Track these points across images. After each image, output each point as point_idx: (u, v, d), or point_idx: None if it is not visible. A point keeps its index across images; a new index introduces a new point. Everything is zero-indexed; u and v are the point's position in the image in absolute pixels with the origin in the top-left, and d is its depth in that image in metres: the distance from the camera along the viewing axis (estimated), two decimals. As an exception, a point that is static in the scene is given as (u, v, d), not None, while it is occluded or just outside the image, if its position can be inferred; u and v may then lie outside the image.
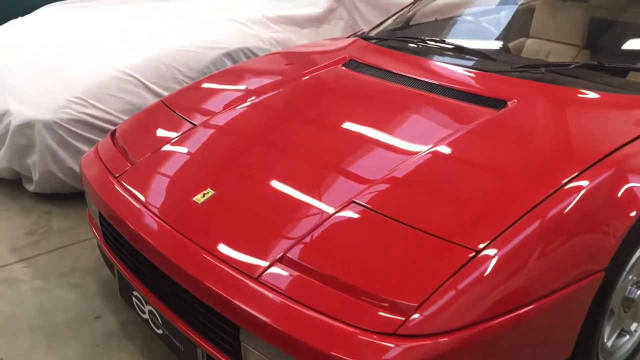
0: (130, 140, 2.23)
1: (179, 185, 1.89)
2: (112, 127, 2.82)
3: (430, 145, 1.79)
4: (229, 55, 3.12)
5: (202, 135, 2.12)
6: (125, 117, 2.86)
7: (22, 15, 4.07)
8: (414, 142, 1.85)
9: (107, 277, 2.40)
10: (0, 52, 3.43)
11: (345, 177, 1.76)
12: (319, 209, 1.63)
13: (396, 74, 2.27)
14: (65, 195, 3.05)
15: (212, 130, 2.13)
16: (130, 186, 1.94)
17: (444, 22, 3.06)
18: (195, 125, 2.16)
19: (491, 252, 1.42)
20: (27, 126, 2.81)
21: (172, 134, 2.16)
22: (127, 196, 1.90)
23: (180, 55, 3.03)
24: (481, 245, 1.42)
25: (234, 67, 2.71)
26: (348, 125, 2.00)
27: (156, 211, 1.79)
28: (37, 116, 2.79)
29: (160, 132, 2.23)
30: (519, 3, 3.28)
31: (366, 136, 1.93)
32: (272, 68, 2.59)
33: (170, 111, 2.32)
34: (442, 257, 1.43)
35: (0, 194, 3.15)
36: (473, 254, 1.41)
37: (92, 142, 2.83)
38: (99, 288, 2.41)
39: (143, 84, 2.92)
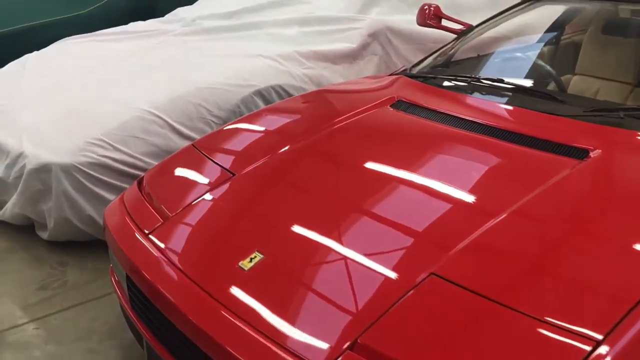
0: (160, 190, 2.00)
1: (220, 246, 1.65)
2: (136, 172, 2.63)
3: (512, 204, 1.55)
4: (259, 93, 2.91)
5: (242, 186, 1.88)
6: (150, 161, 2.65)
7: (37, 49, 3.90)
8: (490, 200, 1.61)
9: (129, 341, 2.14)
10: (13, 89, 3.24)
11: (417, 242, 1.52)
12: (391, 282, 1.38)
13: (453, 116, 2.04)
14: (82, 244, 2.81)
15: (253, 181, 1.90)
16: (163, 246, 1.70)
17: (488, 58, 2.85)
18: (233, 174, 1.93)
19: (612, 344, 1.16)
20: (43, 170, 2.59)
21: (208, 184, 1.93)
22: (159, 258, 1.66)
23: (208, 93, 2.82)
24: (598, 336, 1.17)
25: (270, 107, 2.49)
26: (408, 177, 1.76)
27: (195, 278, 1.55)
28: (54, 159, 2.57)
29: (194, 182, 2.00)
30: (562, 37, 3.09)
31: (433, 190, 1.69)
32: (313, 109, 2.37)
33: (203, 157, 2.10)
34: (553, 348, 1.18)
35: (11, 242, 2.91)
36: (592, 346, 1.16)
37: (113, 188, 2.61)
38: (120, 355, 2.16)
39: (169, 124, 2.70)
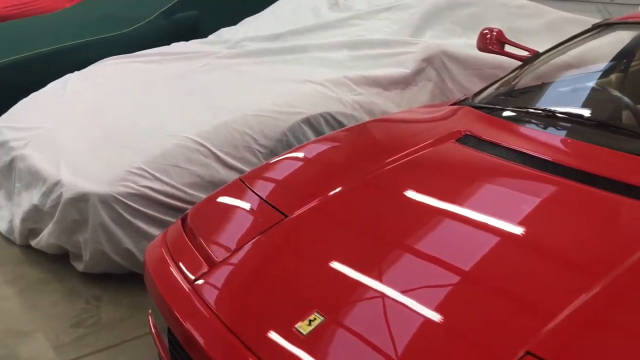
0: (206, 230, 1.83)
1: (274, 303, 1.46)
2: (177, 203, 2.47)
3: (617, 265, 1.33)
4: (308, 121, 2.74)
5: (296, 231, 1.70)
6: (193, 192, 2.50)
7: (77, 68, 3.81)
8: (592, 258, 1.39)
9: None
10: (53, 110, 3.14)
11: (502, 307, 1.31)
12: (482, 356, 1.18)
13: (531, 155, 1.83)
14: (117, 277, 2.66)
15: (307, 225, 1.71)
16: (210, 298, 1.52)
17: (559, 88, 2.63)
18: (285, 215, 1.75)
19: None
20: (80, 200, 2.45)
21: (258, 226, 1.75)
22: (206, 313, 1.49)
23: (254, 120, 2.66)
24: None
25: (322, 138, 2.31)
26: (492, 228, 1.55)
27: (247, 341, 1.36)
28: (92, 189, 2.43)
29: (243, 222, 1.83)
30: (632, 64, 2.85)
31: (522, 244, 1.48)
32: (370, 142, 2.18)
33: (252, 194, 1.92)
34: None
35: (45, 272, 2.78)
36: None
37: (153, 220, 2.46)
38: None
39: (213, 153, 2.55)
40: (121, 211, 2.42)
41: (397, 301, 1.35)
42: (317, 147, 2.20)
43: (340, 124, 2.82)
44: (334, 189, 1.82)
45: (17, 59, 4.12)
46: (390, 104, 3.00)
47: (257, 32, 3.73)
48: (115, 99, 3.05)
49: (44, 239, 2.70)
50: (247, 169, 2.60)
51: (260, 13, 4.21)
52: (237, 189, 1.99)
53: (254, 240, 1.68)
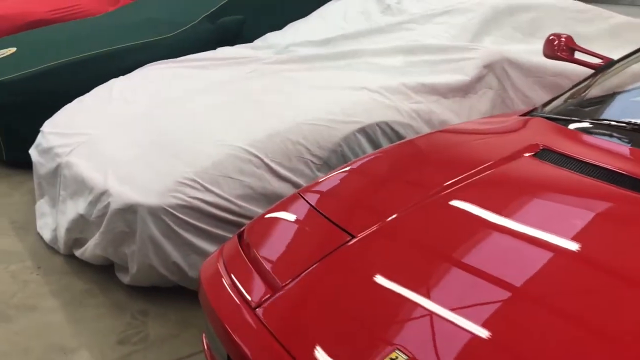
0: (265, 248, 1.71)
1: (349, 338, 1.33)
2: (228, 216, 2.37)
3: None
4: (364, 131, 2.60)
5: (367, 255, 1.56)
6: (244, 204, 2.38)
7: (122, 73, 3.75)
8: None
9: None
10: (99, 117, 3.06)
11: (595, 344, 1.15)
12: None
13: (619, 173, 1.66)
14: (164, 291, 2.56)
15: (379, 248, 1.57)
16: (276, 328, 1.40)
17: (631, 96, 2.45)
18: (351, 235, 1.62)
19: None
20: (129, 211, 2.36)
21: (322, 247, 1.62)
22: (272, 344, 1.36)
23: (308, 129, 2.53)
24: None
25: (384, 151, 2.16)
26: (591, 257, 1.39)
27: (319, 380, 1.23)
28: (140, 200, 2.34)
29: (306, 242, 1.71)
30: None
31: (624, 276, 1.32)
32: (437, 156, 2.03)
33: (313, 210, 1.79)
34: None
35: (90, 283, 2.70)
36: None
37: (203, 233, 2.35)
38: None
39: (265, 164, 2.43)
40: (170, 224, 2.32)
41: (489, 340, 1.20)
42: (379, 160, 2.06)
43: (397, 134, 2.68)
44: (402, 207, 1.67)
45: (61, 63, 4.08)
46: (449, 113, 2.85)
47: (305, 37, 3.61)
48: (162, 105, 2.97)
49: (89, 249, 2.61)
50: (300, 181, 2.48)
51: (307, 17, 4.09)
52: (297, 204, 1.86)
53: (319, 262, 1.55)
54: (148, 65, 3.70)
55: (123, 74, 3.69)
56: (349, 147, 2.57)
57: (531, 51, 3.18)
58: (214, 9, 4.52)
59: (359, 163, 2.04)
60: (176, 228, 2.33)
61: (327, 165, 2.53)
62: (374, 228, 1.62)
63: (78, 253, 2.75)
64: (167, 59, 3.83)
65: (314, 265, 1.55)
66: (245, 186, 2.40)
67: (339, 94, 2.75)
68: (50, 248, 2.98)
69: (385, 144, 2.65)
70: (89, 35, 4.49)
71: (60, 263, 2.88)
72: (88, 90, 3.52)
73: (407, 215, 1.65)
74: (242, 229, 1.86)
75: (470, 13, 3.28)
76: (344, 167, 2.03)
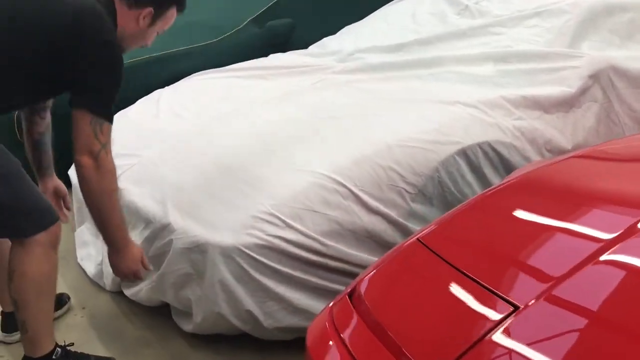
0: (391, 315, 1.34)
1: None
2: (311, 256, 2.00)
3: None
4: (463, 153, 2.22)
5: (540, 330, 1.19)
6: (330, 242, 2.02)
7: (165, 81, 3.41)
8: None
9: None
10: (149, 134, 2.71)
11: None
12: None
13: None
14: (231, 340, 2.20)
15: (554, 322, 1.19)
16: None
17: None
18: (514, 307, 1.24)
19: None
20: (196, 251, 2.01)
21: (479, 320, 1.25)
22: None
23: (400, 153, 2.16)
24: None
25: (519, 181, 1.73)
26: None
27: None
28: (210, 238, 1.98)
29: (447, 310, 1.33)
30: None
31: None
32: (598, 190, 1.63)
33: (448, 267, 1.40)
34: None
35: (144, 330, 2.35)
36: None
37: (282, 277, 2.00)
38: None
39: (354, 194, 2.05)
40: (245, 266, 1.96)
41: None
42: (517, 195, 1.67)
43: (500, 156, 2.29)
44: (572, 261, 1.29)
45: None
46: (553, 130, 2.46)
47: (372, 43, 3.22)
48: (221, 120, 2.61)
49: (145, 292, 2.27)
50: (392, 213, 2.11)
51: (366, 20, 3.71)
52: (421, 255, 1.49)
53: (484, 340, 1.18)
54: (195, 74, 3.35)
55: (165, 85, 3.35)
56: (448, 172, 2.20)
57: (634, 58, 2.80)
58: (260, 11, 4.18)
59: (490, 199, 1.65)
60: (251, 271, 1.96)
61: (422, 194, 2.15)
62: (538, 293, 1.25)
63: (129, 293, 2.40)
64: (212, 66, 3.49)
65: (478, 345, 1.17)
66: (332, 221, 2.02)
67: (430, 110, 2.37)
68: (95, 284, 2.64)
69: (488, 169, 2.28)
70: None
71: (107, 302, 2.54)
72: (129, 102, 3.18)
73: (583, 275, 1.27)
74: (352, 285, 1.49)
75: (565, 15, 2.88)
76: (470, 204, 1.65)
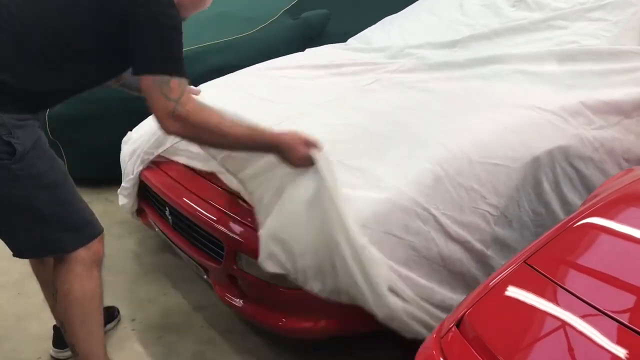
0: (509, 348, 1.24)
1: None
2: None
3: None
4: (545, 169, 2.07)
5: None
6: (405, 271, 1.86)
7: (198, 75, 3.22)
8: None
9: None
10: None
11: None
12: None
13: None
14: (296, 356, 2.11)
15: None
16: None
17: None
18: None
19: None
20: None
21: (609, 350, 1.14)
22: None
23: (482, 170, 1.99)
24: None
25: (631, 191, 1.61)
26: None
27: None
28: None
29: (570, 339, 1.21)
30: None
31: None
32: None
33: (568, 295, 1.29)
34: None
35: (199, 344, 2.24)
36: None
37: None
38: None
39: (435, 218, 1.90)
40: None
41: None
42: (628, 207, 1.54)
43: (577, 171, 2.15)
44: None
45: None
46: (632, 137, 2.30)
47: (422, 37, 3.05)
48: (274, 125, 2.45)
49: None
50: (473, 239, 1.96)
51: (410, 12, 3.52)
52: (534, 282, 1.37)
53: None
54: (234, 74, 3.16)
55: (201, 81, 3.19)
56: (526, 191, 2.05)
57: None
58: (294, 2, 3.98)
59: (597, 215, 1.52)
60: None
61: (504, 216, 2.01)
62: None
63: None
64: (247, 61, 3.31)
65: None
66: (409, 248, 1.87)
67: (508, 115, 2.18)
68: (143, 293, 2.57)
69: (567, 186, 2.14)
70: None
71: (156, 314, 2.48)
72: None
73: None
74: (457, 314, 1.37)
75: (631, 7, 2.69)
76: (574, 221, 1.51)
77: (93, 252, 1.88)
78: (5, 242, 1.86)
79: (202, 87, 3.08)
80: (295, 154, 1.80)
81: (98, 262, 1.91)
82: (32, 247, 1.84)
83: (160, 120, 1.70)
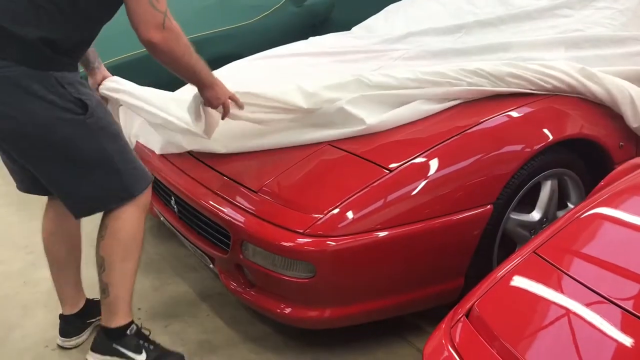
0: (521, 339, 1.26)
1: None
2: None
3: None
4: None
5: None
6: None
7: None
8: None
9: None
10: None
11: None
12: None
13: None
14: (300, 347, 2.12)
15: None
16: None
17: None
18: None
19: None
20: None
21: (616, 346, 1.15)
22: None
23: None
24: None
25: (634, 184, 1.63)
26: None
27: None
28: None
29: (581, 329, 1.22)
30: None
31: None
32: None
33: (576, 283, 1.31)
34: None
35: (208, 333, 2.26)
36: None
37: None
38: None
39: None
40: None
41: None
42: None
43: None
44: None
45: (126, 58, 3.56)
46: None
47: (425, 24, 3.04)
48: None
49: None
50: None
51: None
52: (543, 271, 1.38)
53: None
54: (238, 61, 3.15)
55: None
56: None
57: None
58: (297, -12, 3.97)
59: (605, 205, 1.52)
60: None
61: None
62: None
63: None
64: (251, 49, 3.30)
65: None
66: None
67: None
68: (149, 280, 2.61)
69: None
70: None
71: (162, 303, 2.50)
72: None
73: None
74: (466, 304, 1.39)
75: (639, -5, 2.68)
76: (583, 211, 1.52)
77: (146, 196, 1.97)
78: (73, 204, 1.94)
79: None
80: (216, 94, 1.98)
81: (147, 209, 2.00)
82: (106, 198, 1.92)
83: (144, 30, 1.71)
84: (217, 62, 3.17)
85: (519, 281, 1.39)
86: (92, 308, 2.23)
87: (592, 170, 2.29)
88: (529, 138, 2.12)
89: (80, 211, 1.96)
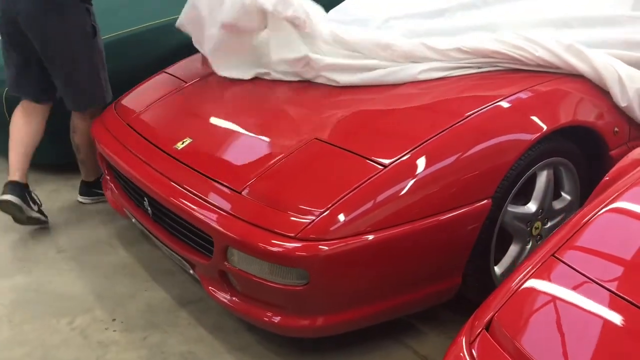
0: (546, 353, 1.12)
1: None
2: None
3: None
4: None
5: None
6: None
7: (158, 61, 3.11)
8: None
9: None
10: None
11: None
12: None
13: None
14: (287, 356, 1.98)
15: None
16: None
17: None
18: None
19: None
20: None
21: None
22: None
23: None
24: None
25: None
26: None
27: None
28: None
29: (612, 340, 1.12)
30: None
31: None
32: None
33: (601, 289, 1.20)
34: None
35: (188, 343, 2.11)
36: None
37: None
38: None
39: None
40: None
41: None
42: None
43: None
44: None
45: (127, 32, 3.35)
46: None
47: (407, 8, 2.88)
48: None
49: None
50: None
51: (390, -21, 3.34)
52: (565, 276, 1.27)
53: None
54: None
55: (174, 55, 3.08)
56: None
57: None
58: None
59: (624, 200, 1.42)
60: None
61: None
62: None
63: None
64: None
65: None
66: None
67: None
68: (122, 288, 2.44)
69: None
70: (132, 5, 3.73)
71: (139, 312, 2.32)
72: (140, 72, 2.96)
73: None
74: (484, 317, 1.27)
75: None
76: (600, 208, 1.42)
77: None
78: (72, 99, 2.85)
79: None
80: None
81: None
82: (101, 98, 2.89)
83: None
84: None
85: (540, 288, 1.28)
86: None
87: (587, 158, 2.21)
88: (527, 127, 2.01)
89: (81, 105, 2.88)
